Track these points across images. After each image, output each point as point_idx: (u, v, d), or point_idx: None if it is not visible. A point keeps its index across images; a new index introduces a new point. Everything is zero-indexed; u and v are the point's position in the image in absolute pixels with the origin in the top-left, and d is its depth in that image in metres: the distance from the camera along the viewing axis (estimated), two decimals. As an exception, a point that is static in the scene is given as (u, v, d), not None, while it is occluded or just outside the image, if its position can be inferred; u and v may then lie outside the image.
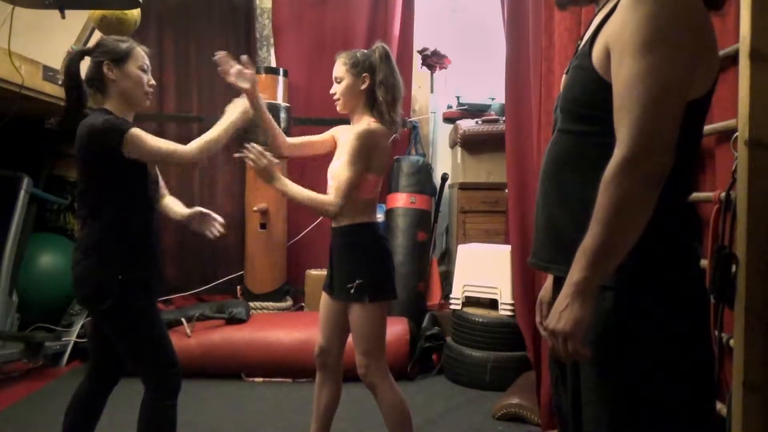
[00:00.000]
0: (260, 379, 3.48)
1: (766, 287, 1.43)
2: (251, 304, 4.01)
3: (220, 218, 2.15)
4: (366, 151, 1.99)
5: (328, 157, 2.20)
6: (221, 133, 1.97)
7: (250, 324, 3.62)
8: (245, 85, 2.01)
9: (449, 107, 4.56)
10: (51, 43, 3.40)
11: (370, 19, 4.63)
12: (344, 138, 2.12)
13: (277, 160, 2.03)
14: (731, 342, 1.50)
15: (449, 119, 4.49)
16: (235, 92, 2.09)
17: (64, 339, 3.72)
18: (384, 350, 2.09)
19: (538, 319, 1.42)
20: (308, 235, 4.50)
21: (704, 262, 1.50)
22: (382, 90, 2.03)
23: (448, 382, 3.46)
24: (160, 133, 4.55)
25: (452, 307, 3.63)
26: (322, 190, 2.21)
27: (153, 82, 1.98)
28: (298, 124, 4.42)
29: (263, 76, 4.28)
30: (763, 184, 1.43)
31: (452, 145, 4.56)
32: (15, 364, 3.56)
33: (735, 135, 1.48)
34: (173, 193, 2.22)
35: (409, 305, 3.88)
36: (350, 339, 2.11)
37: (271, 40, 4.57)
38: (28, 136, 3.97)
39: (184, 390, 1.94)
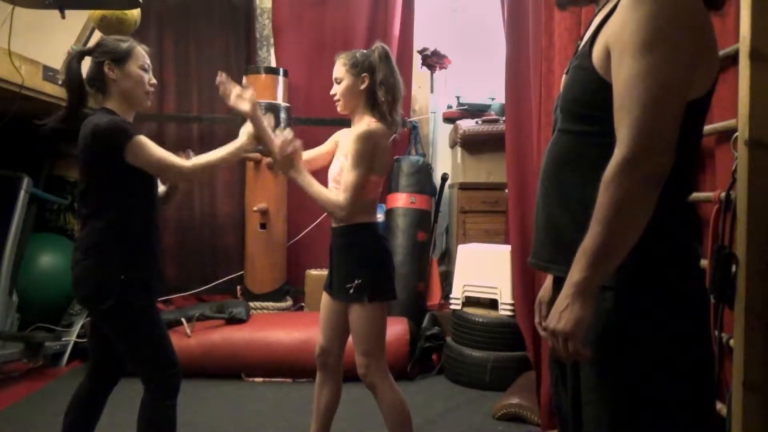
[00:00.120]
0: (260, 379, 3.48)
1: (766, 287, 1.43)
2: (251, 304, 4.02)
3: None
4: (370, 152, 1.99)
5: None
6: (224, 157, 1.98)
7: (250, 324, 3.62)
8: (245, 107, 2.01)
9: (449, 107, 4.56)
10: (51, 43, 3.40)
11: (370, 19, 4.63)
12: (345, 139, 2.12)
13: (300, 145, 2.02)
14: (731, 342, 1.50)
15: (449, 119, 4.49)
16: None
17: (64, 339, 3.72)
18: (384, 350, 2.09)
19: (537, 319, 1.42)
20: (308, 235, 4.50)
21: (704, 262, 1.50)
22: (383, 90, 2.03)
23: (448, 382, 3.46)
24: (160, 133, 4.60)
25: (452, 307, 3.64)
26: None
27: (154, 81, 1.98)
28: (298, 124, 4.42)
29: (263, 76, 4.29)
30: (763, 184, 1.43)
31: (452, 145, 4.56)
32: (15, 364, 3.56)
33: (735, 135, 1.48)
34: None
35: (409, 305, 3.88)
36: (350, 339, 2.11)
37: (271, 40, 4.57)
38: (28, 136, 3.95)
39: (184, 390, 1.94)
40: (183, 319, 3.53)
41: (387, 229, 4.11)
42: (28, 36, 3.04)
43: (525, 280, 2.92)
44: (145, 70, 1.94)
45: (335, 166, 2.10)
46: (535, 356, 2.81)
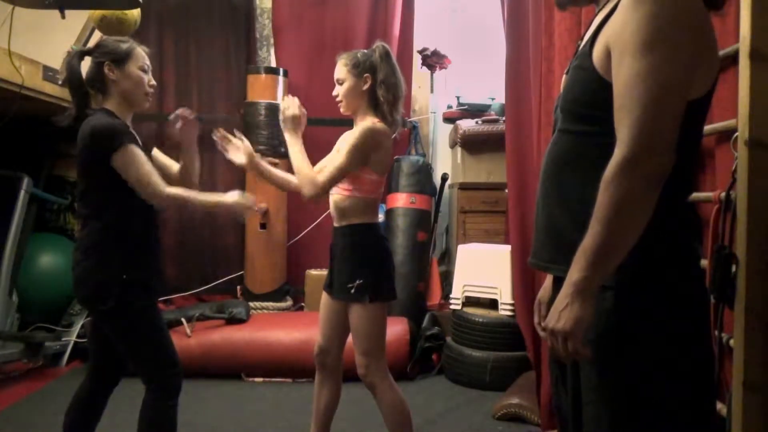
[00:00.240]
0: (260, 379, 3.48)
1: (766, 287, 1.43)
2: (251, 304, 4.01)
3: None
4: (366, 146, 1.99)
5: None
6: (202, 202, 1.94)
7: (250, 324, 3.62)
8: (241, 161, 2.13)
9: (449, 107, 4.56)
10: (51, 43, 3.40)
11: (370, 19, 4.63)
12: (344, 142, 2.12)
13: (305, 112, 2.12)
14: (731, 342, 1.50)
15: (449, 119, 4.49)
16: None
17: (64, 339, 3.72)
18: (384, 350, 2.09)
19: (536, 319, 1.42)
20: (308, 235, 4.50)
21: (704, 262, 1.50)
22: (383, 89, 2.03)
23: (448, 382, 3.46)
24: (160, 133, 4.59)
25: (452, 307, 3.64)
26: None
27: (153, 82, 1.98)
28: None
29: (263, 76, 4.29)
30: (763, 184, 1.43)
31: (452, 145, 4.56)
32: (15, 364, 3.56)
33: (735, 135, 1.48)
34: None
35: (409, 305, 3.88)
36: (350, 339, 2.11)
37: (271, 40, 4.57)
38: (28, 136, 3.98)
39: (184, 390, 1.94)
40: (183, 319, 3.53)
41: (387, 229, 4.11)
42: (28, 36, 3.04)
43: (525, 280, 2.92)
44: (145, 71, 1.94)
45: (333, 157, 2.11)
46: (535, 356, 2.81)
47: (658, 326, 1.09)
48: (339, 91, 2.08)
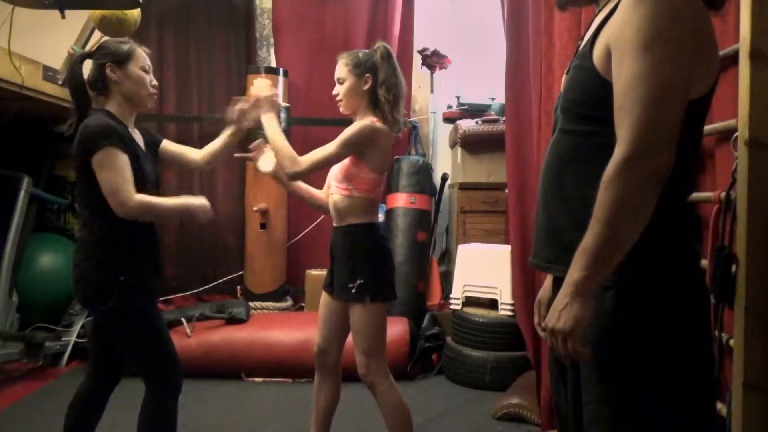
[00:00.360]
0: (260, 379, 3.48)
1: (766, 287, 1.43)
2: (251, 304, 4.02)
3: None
4: (360, 140, 1.99)
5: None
6: (169, 210, 1.93)
7: (250, 324, 3.62)
8: (268, 169, 2.17)
9: (449, 107, 4.56)
10: (51, 43, 3.40)
11: (370, 19, 4.63)
12: None
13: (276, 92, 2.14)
14: (731, 342, 1.50)
15: (449, 119, 4.49)
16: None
17: (64, 339, 3.72)
18: (384, 350, 2.09)
19: (536, 319, 1.42)
20: (308, 235, 4.50)
21: (704, 262, 1.50)
22: (384, 89, 2.03)
23: (448, 382, 3.46)
24: (159, 134, 4.58)
25: (452, 307, 3.64)
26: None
27: (155, 82, 1.99)
28: (298, 124, 4.42)
29: (263, 76, 4.28)
30: (763, 184, 1.43)
31: (452, 145, 4.56)
32: (15, 364, 3.57)
33: (735, 135, 1.48)
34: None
35: (409, 305, 3.88)
36: (350, 339, 2.11)
37: (271, 40, 4.57)
38: (28, 136, 3.98)
39: (184, 390, 1.94)
40: (183, 319, 3.53)
41: (387, 229, 4.11)
42: (28, 36, 3.04)
43: (525, 280, 2.93)
44: (146, 72, 1.95)
45: (336, 166, 2.10)
46: (535, 356, 2.82)
47: (658, 326, 1.09)
48: (339, 90, 2.08)
